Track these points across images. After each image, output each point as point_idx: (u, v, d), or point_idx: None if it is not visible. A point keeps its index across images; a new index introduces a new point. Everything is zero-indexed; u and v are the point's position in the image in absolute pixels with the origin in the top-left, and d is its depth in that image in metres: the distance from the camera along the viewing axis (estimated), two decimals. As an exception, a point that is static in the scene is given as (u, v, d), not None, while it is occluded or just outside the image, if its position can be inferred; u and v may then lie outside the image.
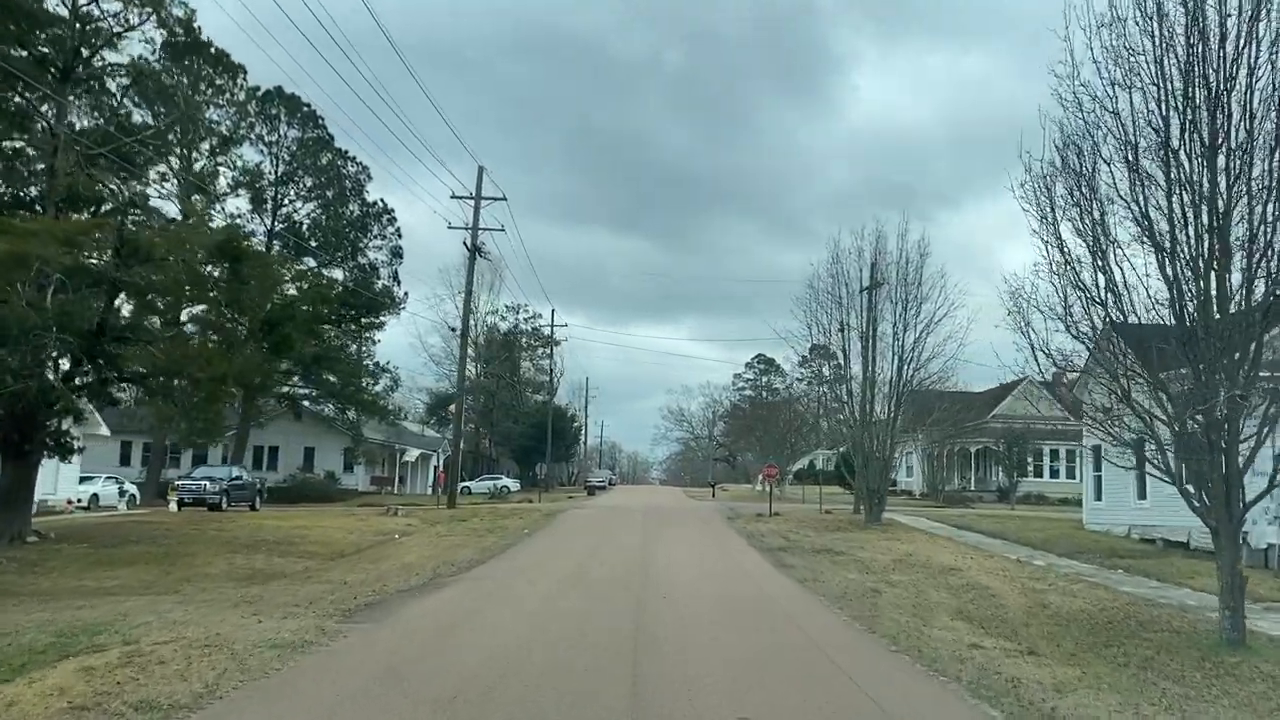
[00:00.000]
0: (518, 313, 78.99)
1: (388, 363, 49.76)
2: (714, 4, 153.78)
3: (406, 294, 47.39)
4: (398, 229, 47.16)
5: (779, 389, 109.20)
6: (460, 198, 36.19)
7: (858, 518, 32.82)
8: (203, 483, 31.73)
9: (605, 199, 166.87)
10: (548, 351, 73.82)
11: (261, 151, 46.32)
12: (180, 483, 32.32)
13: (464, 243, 35.53)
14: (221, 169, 44.72)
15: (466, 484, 62.72)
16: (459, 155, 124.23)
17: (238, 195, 45.10)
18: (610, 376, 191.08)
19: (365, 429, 52.02)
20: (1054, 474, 53.16)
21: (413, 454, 52.09)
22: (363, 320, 47.04)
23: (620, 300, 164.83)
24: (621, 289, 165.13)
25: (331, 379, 45.01)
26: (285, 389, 47.55)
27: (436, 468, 64.85)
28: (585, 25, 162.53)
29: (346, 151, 47.66)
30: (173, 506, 30.93)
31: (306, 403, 47.09)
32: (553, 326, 69.29)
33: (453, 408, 61.15)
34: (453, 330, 47.05)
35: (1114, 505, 25.87)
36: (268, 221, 46.19)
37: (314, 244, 46.29)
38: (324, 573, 16.88)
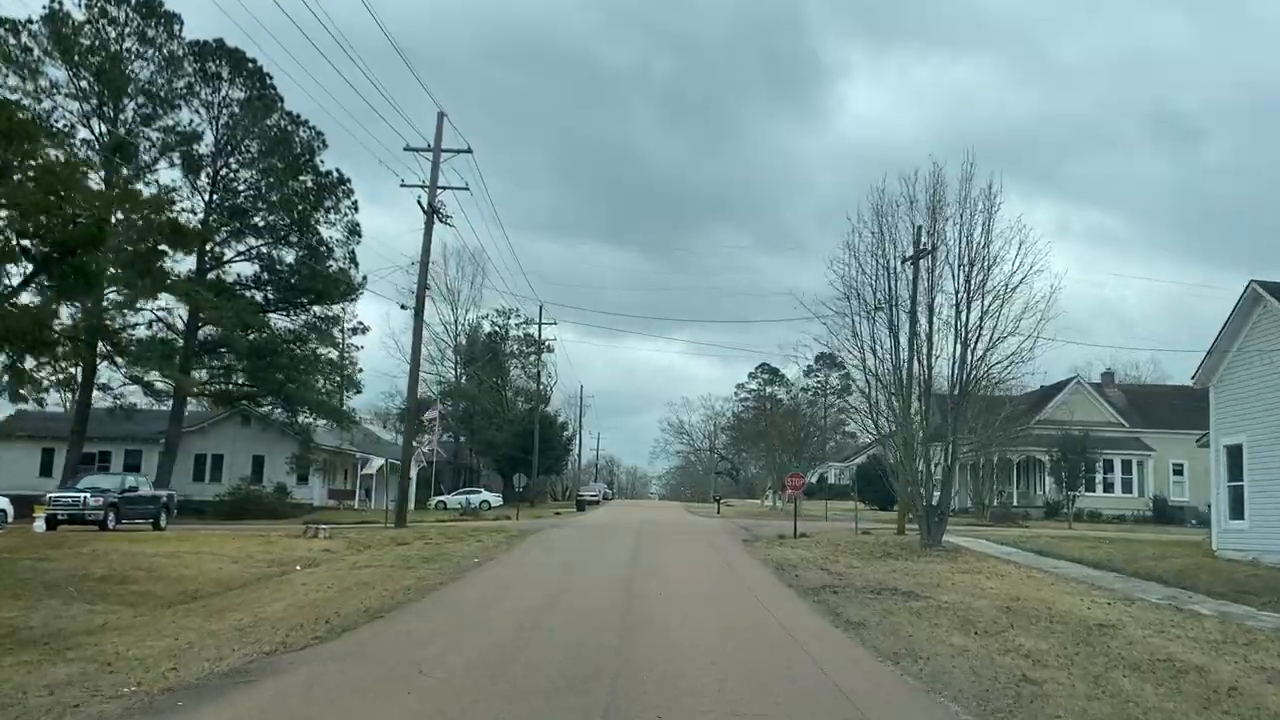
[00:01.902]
0: (509, 317, 72.82)
1: (344, 357, 43.15)
2: (701, 15, 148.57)
3: (365, 278, 40.96)
4: (354, 202, 40.89)
5: (783, 399, 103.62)
6: (416, 150, 29.85)
7: (905, 539, 26.35)
8: (82, 496, 25.17)
9: (595, 212, 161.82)
10: (536, 350, 67.36)
11: (199, 113, 40.06)
12: (53, 496, 25.75)
13: (418, 201, 29.20)
14: (150, 133, 38.47)
15: (442, 498, 56.29)
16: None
17: (170, 164, 38.78)
18: (607, 391, 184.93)
19: (320, 434, 45.54)
20: (1108, 487, 46.59)
21: (375, 463, 45.55)
22: (313, 307, 40.64)
23: (614, 315, 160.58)
24: (615, 303, 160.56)
25: (279, 375, 38.60)
26: (224, 386, 41.12)
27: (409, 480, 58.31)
28: (571, 36, 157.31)
29: (299, 116, 41.41)
30: (39, 525, 24.37)
31: (246, 402, 40.57)
32: (540, 323, 62.87)
33: (429, 414, 54.77)
34: (403, 308, 40.38)
35: (1265, 525, 19.36)
36: (205, 194, 39.83)
37: (258, 220, 39.98)
38: (109, 638, 10.47)
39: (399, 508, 29.37)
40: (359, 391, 43.00)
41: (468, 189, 30.12)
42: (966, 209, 23.27)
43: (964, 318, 23.21)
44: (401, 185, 29.73)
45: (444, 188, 29.89)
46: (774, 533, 28.54)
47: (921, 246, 24.72)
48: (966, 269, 23.19)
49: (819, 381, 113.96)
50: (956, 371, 23.27)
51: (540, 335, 64.05)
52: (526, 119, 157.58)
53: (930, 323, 23.69)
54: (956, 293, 23.33)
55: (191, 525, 34.08)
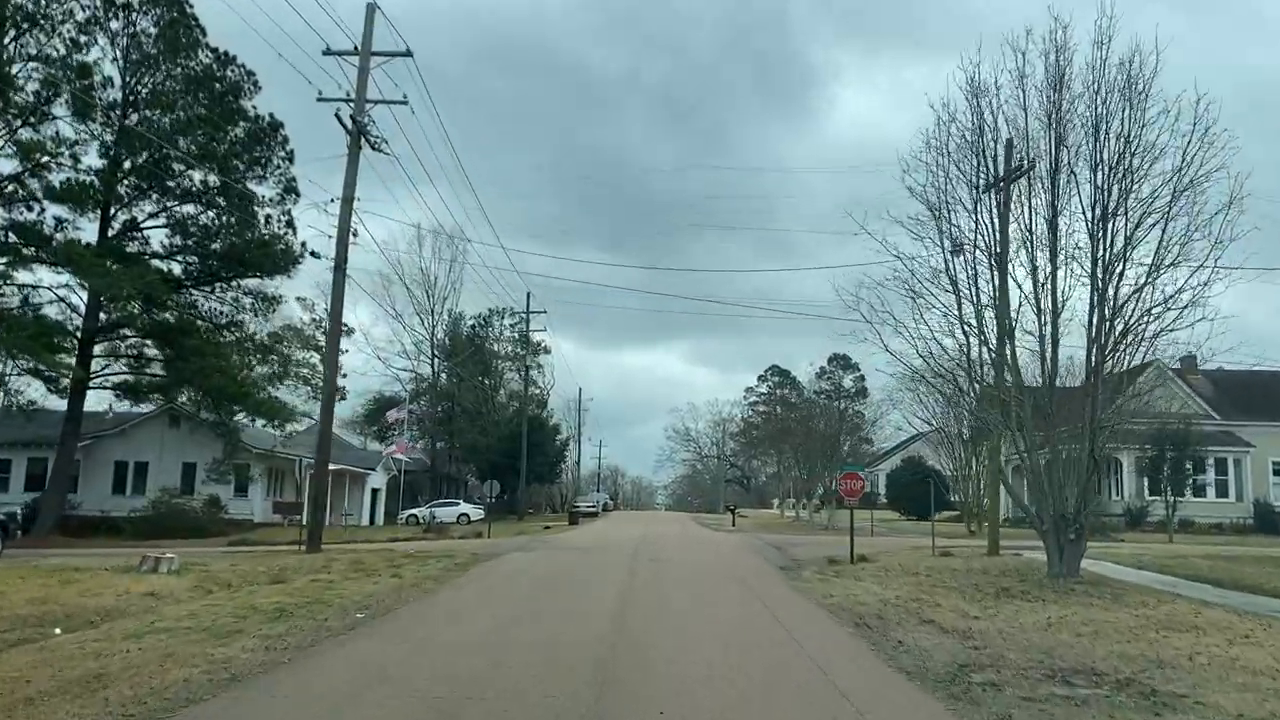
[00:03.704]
0: (502, 316, 65.58)
1: (279, 341, 35.73)
2: (698, 23, 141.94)
3: (305, 246, 33.60)
4: (289, 152, 33.57)
5: (794, 403, 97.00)
6: (338, 54, 22.60)
7: (1007, 562, 18.99)
8: None
9: (591, 221, 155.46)
10: (524, 340, 60.06)
11: (103, 50, 32.93)
12: None
13: (336, 115, 21.94)
14: (36, 69, 31.32)
15: (415, 510, 48.92)
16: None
17: (66, 108, 31.59)
18: (609, 402, 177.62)
19: (261, 436, 38.23)
20: (1198, 490, 39.02)
21: (331, 468, 38.21)
22: (242, 281, 33.43)
23: (612, 324, 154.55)
24: (613, 312, 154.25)
25: (196, 363, 31.32)
26: (131, 377, 33.80)
27: (377, 490, 50.97)
28: (566, 45, 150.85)
29: (228, 53, 34.25)
30: None
31: (159, 395, 33.25)
32: (528, 313, 55.45)
33: (394, 414, 47.48)
34: (314, 255, 32.98)
35: None
36: (108, 145, 32.59)
37: (174, 175, 32.78)
38: None
39: (311, 525, 22.00)
40: (288, 376, 35.37)
41: (406, 102, 22.89)
42: (1102, 84, 15.94)
43: (1105, 243, 15.88)
44: (319, 99, 22.46)
45: (376, 101, 22.67)
46: (818, 554, 21.16)
47: (1020, 162, 17.32)
48: (1107, 170, 15.84)
49: (832, 384, 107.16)
50: (1096, 324, 15.92)
51: (528, 324, 56.61)
52: (521, 126, 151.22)
53: (1053, 251, 16.30)
54: (1093, 207, 15.99)
55: (73, 548, 26.84)
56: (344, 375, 78.08)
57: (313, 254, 32.18)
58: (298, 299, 71.30)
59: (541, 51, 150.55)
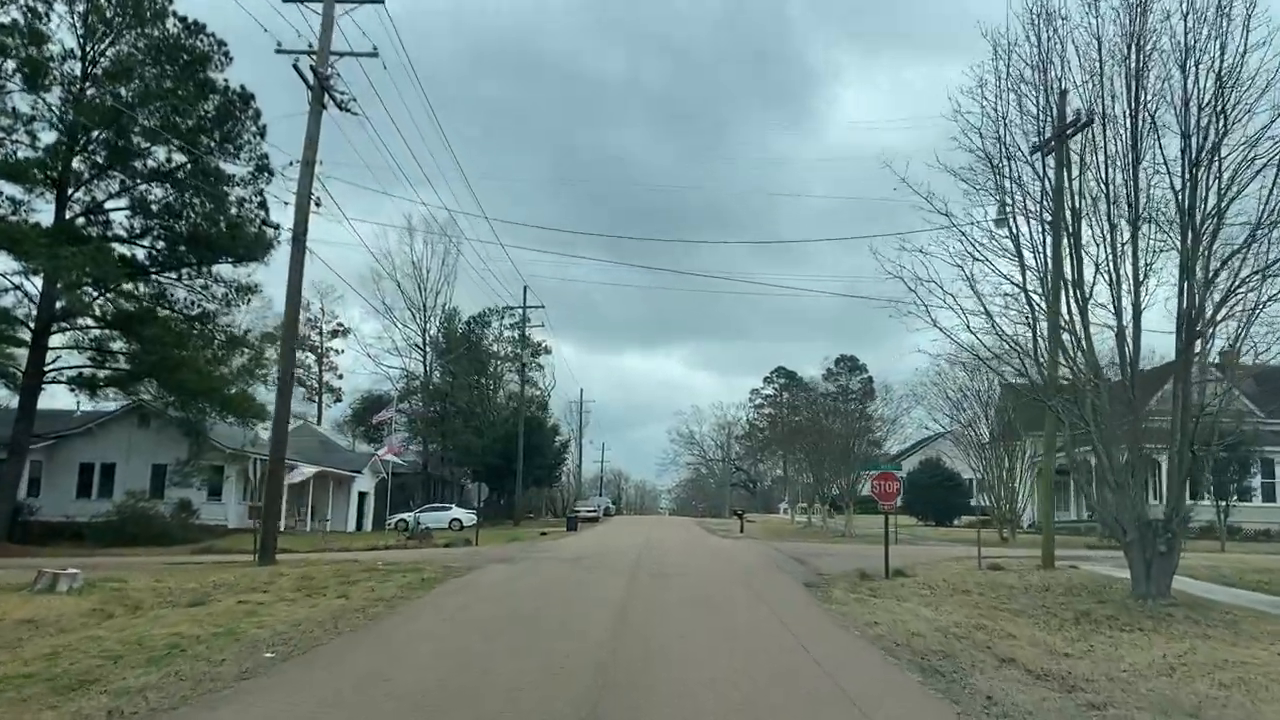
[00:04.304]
0: (502, 317, 62.88)
1: (247, 331, 33.10)
2: (695, 24, 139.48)
3: (279, 229, 30.90)
4: (261, 127, 30.86)
5: (806, 401, 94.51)
6: (300, 0, 19.95)
7: (1068, 576, 16.31)
8: None
9: (591, 226, 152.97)
10: (521, 334, 57.31)
11: (60, 17, 30.33)
12: None
13: (294, 66, 19.29)
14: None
15: (405, 515, 46.24)
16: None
17: (18, 75, 29.03)
18: (612, 406, 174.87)
19: (229, 434, 35.59)
20: (1244, 494, 36.19)
21: (306, 471, 35.67)
22: (212, 267, 30.81)
23: (613, 329, 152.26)
24: (614, 316, 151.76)
25: (157, 354, 28.73)
26: (89, 371, 31.18)
27: (364, 494, 48.30)
28: (563, 50, 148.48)
29: (197, 22, 31.64)
30: None
31: (116, 389, 30.60)
32: (525, 308, 52.74)
33: (382, 414, 44.84)
34: (273, 225, 30.18)
35: None
36: (65, 118, 29.99)
37: (135, 152, 30.20)
38: None
39: (263, 533, 19.28)
40: (262, 370, 32.62)
41: (375, 54, 20.20)
42: (1193, 5, 13.25)
43: (1194, 196, 13.18)
44: (278, 50, 19.82)
45: (341, 54, 20.01)
46: (845, 566, 18.44)
47: (1089, 105, 14.60)
48: (1197, 110, 13.14)
49: (839, 386, 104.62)
50: (1186, 293, 13.22)
51: (525, 318, 53.82)
52: (519, 131, 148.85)
53: (1134, 207, 13.58)
54: (1183, 154, 13.28)
55: (10, 555, 24.21)
56: (340, 376, 76.07)
57: (273, 226, 29.38)
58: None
59: (542, 54, 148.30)
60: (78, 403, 39.78)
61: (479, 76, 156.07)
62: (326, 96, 19.52)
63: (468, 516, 45.94)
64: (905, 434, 56.02)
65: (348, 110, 20.24)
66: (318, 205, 19.90)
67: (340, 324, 71.20)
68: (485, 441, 53.05)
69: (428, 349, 53.40)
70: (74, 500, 36.74)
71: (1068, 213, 13.85)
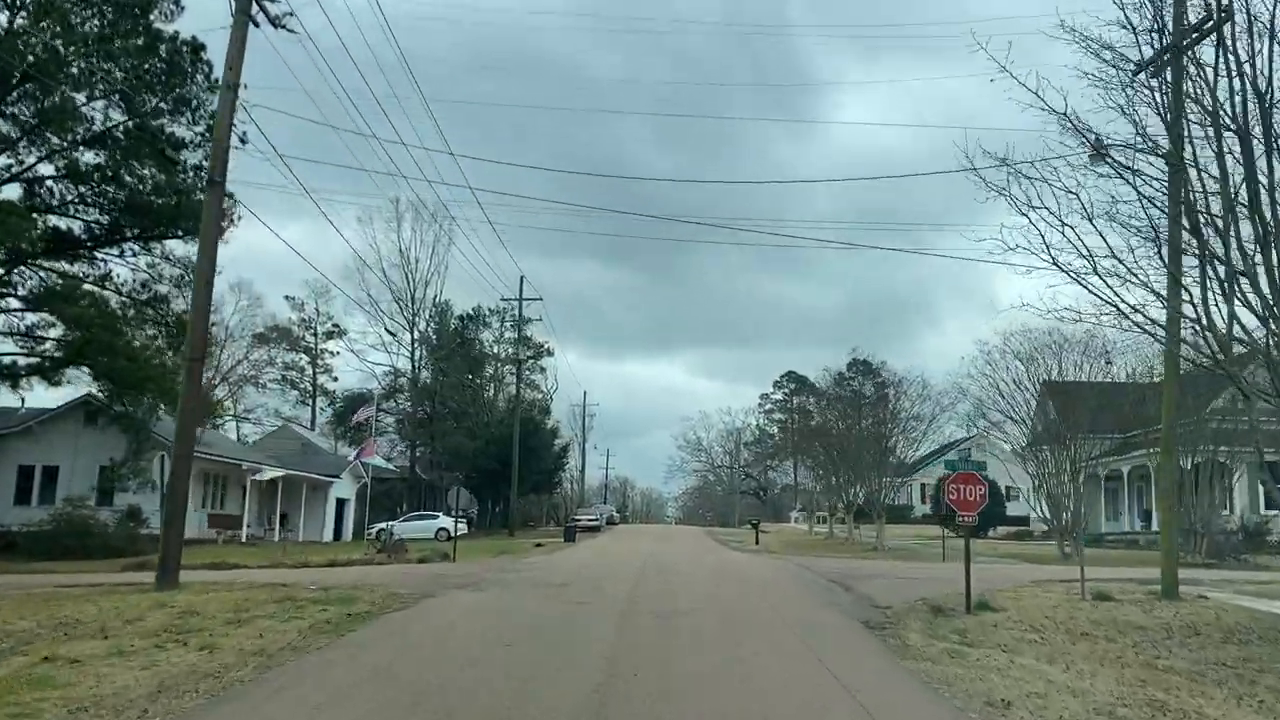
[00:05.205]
0: (502, 318, 59.01)
1: (185, 312, 29.13)
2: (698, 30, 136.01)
3: (234, 198, 26.95)
4: (214, 83, 26.96)
5: (810, 410, 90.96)
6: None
7: (1206, 611, 12.27)
8: None
9: (593, 232, 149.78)
10: (516, 327, 53.30)
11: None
12: None
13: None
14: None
15: (388, 524, 42.20)
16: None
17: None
18: (617, 414, 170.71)
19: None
20: (1271, 503, 32.23)
21: (267, 474, 31.80)
22: (150, 243, 26.99)
23: (617, 336, 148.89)
24: (617, 324, 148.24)
25: (84, 334, 24.89)
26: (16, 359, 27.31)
27: (344, 500, 44.35)
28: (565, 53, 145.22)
29: (144, -34, 27.80)
30: None
31: (29, 377, 26.68)
32: (520, 299, 48.78)
33: (361, 414, 40.93)
34: (228, 195, 26.14)
35: None
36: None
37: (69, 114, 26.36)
38: None
39: (163, 550, 15.28)
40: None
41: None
42: None
43: None
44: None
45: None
46: (903, 594, 14.42)
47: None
48: None
49: (852, 391, 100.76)
50: None
51: (521, 310, 49.83)
52: (520, 134, 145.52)
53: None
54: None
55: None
56: (335, 379, 72.21)
57: (228, 196, 25.44)
58: (286, 298, 65.07)
59: (541, 58, 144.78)
60: (22, 399, 36.03)
61: (477, 77, 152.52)
62: (255, 4, 15.70)
63: (454, 525, 41.94)
64: (945, 433, 52.10)
65: (283, 27, 16.43)
66: (242, 141, 16.14)
67: (335, 325, 67.55)
68: (478, 444, 49.04)
69: (416, 345, 49.53)
70: (12, 508, 32.92)
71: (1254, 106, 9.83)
